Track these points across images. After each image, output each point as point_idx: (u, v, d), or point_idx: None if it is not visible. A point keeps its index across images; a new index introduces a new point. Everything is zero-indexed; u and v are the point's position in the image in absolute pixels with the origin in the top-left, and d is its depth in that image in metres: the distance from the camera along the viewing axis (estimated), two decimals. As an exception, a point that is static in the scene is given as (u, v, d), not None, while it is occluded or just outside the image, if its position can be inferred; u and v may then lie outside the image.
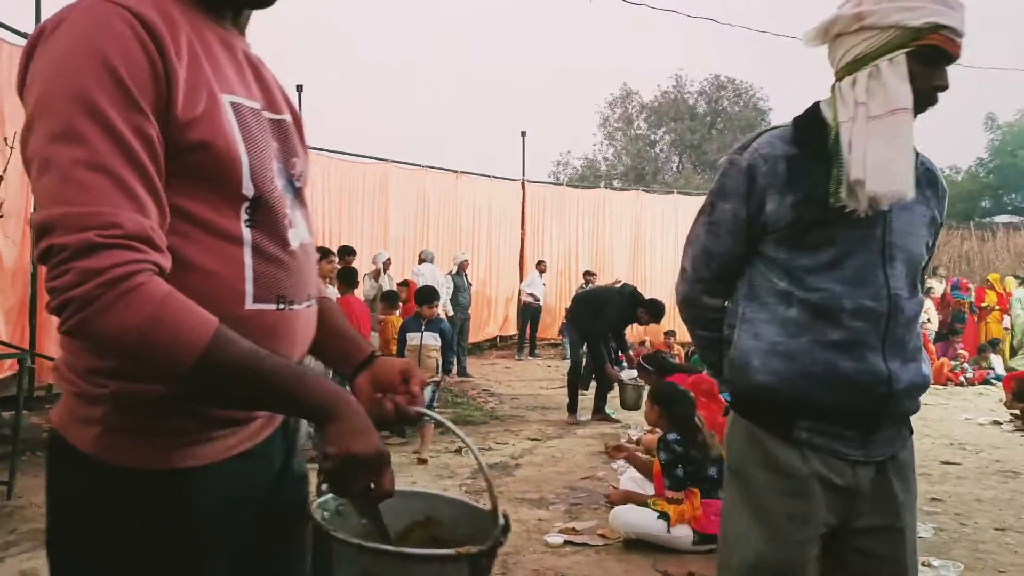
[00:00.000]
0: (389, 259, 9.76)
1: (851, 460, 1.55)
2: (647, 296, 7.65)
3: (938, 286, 12.87)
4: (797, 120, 1.62)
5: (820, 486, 1.54)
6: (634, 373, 7.21)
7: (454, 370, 9.06)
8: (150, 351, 0.84)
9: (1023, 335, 12.94)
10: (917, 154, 1.58)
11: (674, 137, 30.69)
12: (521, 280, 13.36)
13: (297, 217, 1.07)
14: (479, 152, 44.10)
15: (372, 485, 0.97)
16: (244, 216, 0.97)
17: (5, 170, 5.62)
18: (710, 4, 12.92)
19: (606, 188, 17.89)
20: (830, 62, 1.59)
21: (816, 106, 1.62)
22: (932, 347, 11.51)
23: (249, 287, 0.98)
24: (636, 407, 7.16)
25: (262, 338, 0.95)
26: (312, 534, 1.07)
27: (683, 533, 3.63)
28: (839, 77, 1.55)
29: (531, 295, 12.59)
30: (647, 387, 6.04)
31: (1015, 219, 19.56)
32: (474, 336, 12.50)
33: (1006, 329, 13.15)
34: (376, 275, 9.37)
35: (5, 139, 5.39)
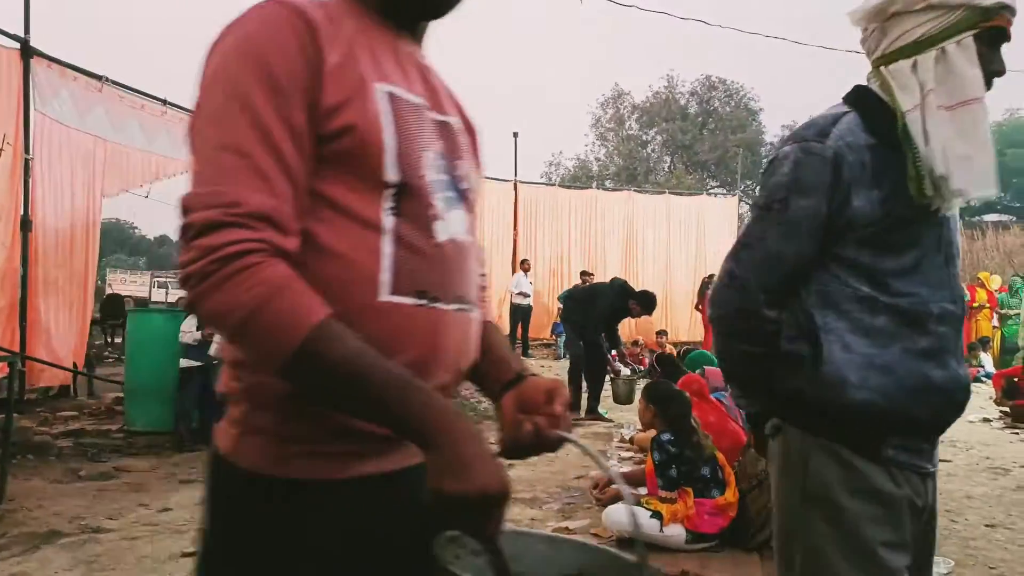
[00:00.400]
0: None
1: (923, 474, 1.48)
2: (639, 291, 7.65)
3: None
4: (860, 105, 1.46)
5: (908, 508, 1.46)
6: (627, 371, 7.23)
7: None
8: (253, 334, 0.83)
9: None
10: None
11: (666, 137, 30.81)
12: (513, 281, 13.39)
13: (452, 214, 1.02)
14: (471, 153, 44.00)
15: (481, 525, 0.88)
16: (387, 204, 0.94)
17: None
18: (700, 5, 12.98)
19: (598, 188, 17.97)
20: (870, 44, 1.48)
21: (868, 89, 1.48)
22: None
23: (386, 276, 0.93)
24: (629, 401, 7.18)
25: (398, 334, 0.92)
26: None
27: (676, 532, 3.63)
28: (890, 59, 1.43)
29: (520, 294, 12.61)
30: (639, 381, 6.09)
31: (1004, 218, 19.71)
32: (467, 337, 12.48)
33: (995, 327, 13.24)
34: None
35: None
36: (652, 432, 4.19)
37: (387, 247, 0.93)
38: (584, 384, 7.57)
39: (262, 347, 0.84)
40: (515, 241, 14.19)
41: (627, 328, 8.78)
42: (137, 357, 6.99)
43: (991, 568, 3.59)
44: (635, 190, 17.36)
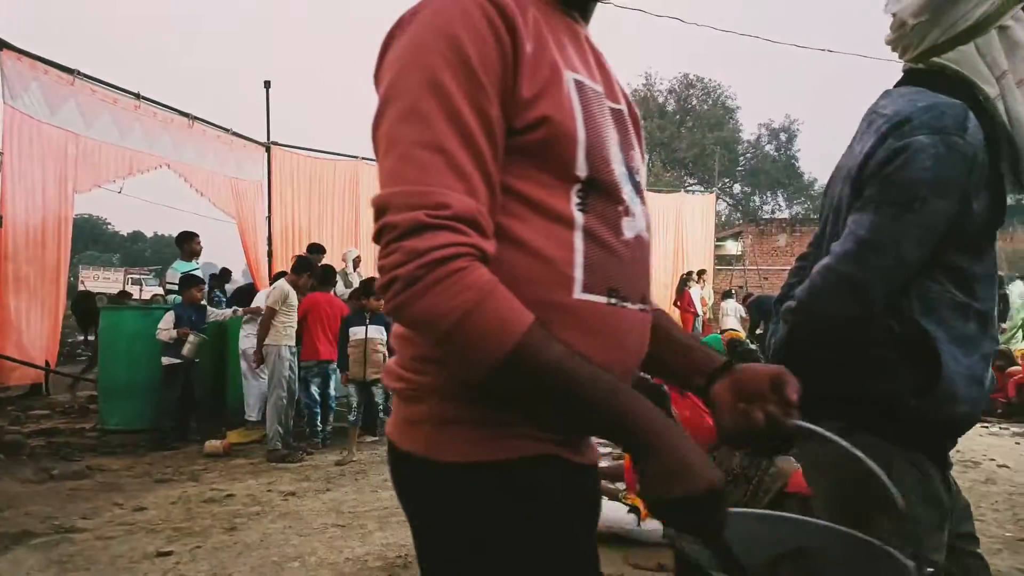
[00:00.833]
0: (359, 256, 9.70)
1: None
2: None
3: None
4: (955, 95, 1.36)
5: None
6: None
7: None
8: (461, 340, 0.81)
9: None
10: None
11: (644, 135, 30.98)
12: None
13: (636, 208, 1.00)
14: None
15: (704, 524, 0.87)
16: (575, 199, 0.92)
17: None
18: (677, 3, 13.05)
19: (577, 185, 17.96)
20: (912, 38, 1.43)
21: (959, 78, 1.39)
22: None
23: (579, 273, 0.91)
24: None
25: (588, 334, 0.91)
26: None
27: (654, 526, 3.67)
28: (946, 48, 1.39)
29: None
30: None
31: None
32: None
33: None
34: (346, 273, 9.31)
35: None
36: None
37: (579, 243, 0.91)
38: None
39: (469, 354, 0.82)
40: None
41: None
42: (111, 355, 6.91)
43: (961, 559, 3.66)
44: (614, 187, 17.43)
